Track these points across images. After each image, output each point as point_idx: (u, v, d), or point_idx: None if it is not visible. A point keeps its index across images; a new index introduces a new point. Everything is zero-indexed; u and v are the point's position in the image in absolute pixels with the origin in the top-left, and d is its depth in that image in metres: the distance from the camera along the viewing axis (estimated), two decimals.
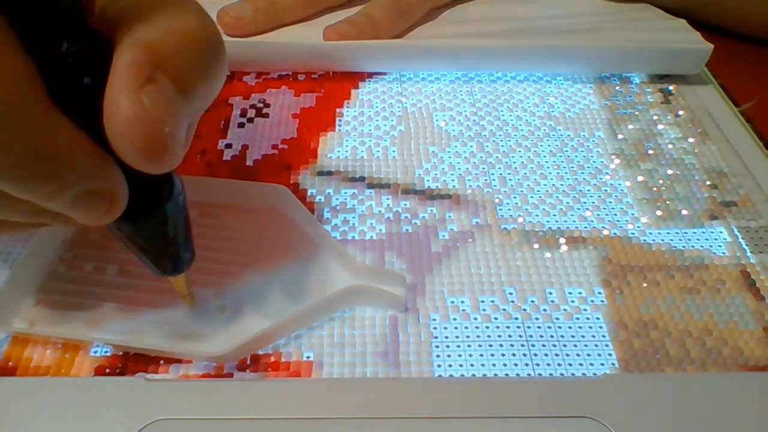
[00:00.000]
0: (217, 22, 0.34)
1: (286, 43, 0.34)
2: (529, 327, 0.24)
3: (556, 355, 0.23)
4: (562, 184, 0.30)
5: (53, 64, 0.14)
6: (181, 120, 0.16)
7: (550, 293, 0.25)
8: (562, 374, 0.22)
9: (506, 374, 0.22)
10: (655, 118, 0.34)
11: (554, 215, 0.28)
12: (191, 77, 0.16)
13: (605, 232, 0.27)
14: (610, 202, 0.29)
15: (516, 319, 0.24)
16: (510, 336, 0.23)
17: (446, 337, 0.23)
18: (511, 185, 0.30)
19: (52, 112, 0.14)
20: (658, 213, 0.28)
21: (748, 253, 0.26)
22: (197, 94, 0.16)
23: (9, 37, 0.14)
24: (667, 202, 0.29)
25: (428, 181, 0.30)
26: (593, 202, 0.29)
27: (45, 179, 0.15)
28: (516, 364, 0.22)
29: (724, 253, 0.27)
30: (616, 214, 0.28)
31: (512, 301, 0.24)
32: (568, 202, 0.29)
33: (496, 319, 0.24)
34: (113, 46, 0.15)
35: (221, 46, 0.17)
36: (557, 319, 0.24)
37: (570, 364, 0.22)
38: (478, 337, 0.23)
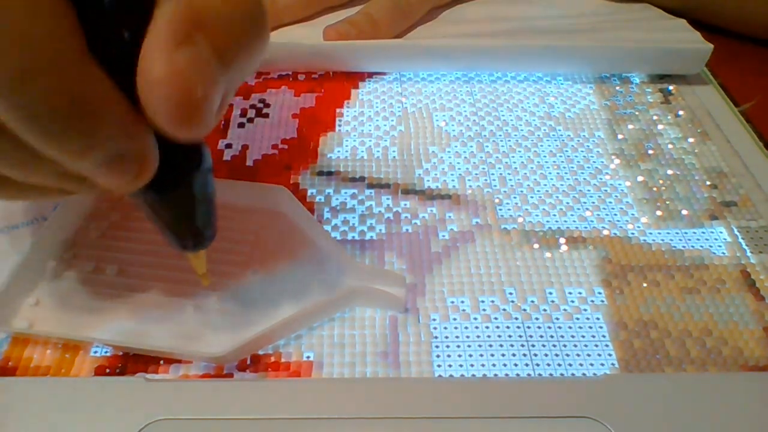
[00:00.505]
0: None
1: (286, 43, 0.34)
2: (529, 327, 0.24)
3: (556, 355, 0.23)
4: (562, 184, 0.30)
5: (93, 14, 0.14)
6: (215, 86, 0.15)
7: (550, 293, 0.25)
8: (562, 374, 0.22)
9: (506, 374, 0.22)
10: (655, 118, 0.34)
11: (554, 215, 0.28)
12: (231, 44, 0.15)
13: (605, 232, 0.27)
14: (610, 202, 0.29)
15: (516, 319, 0.24)
16: (510, 336, 0.23)
17: (446, 337, 0.23)
18: (511, 185, 0.30)
19: (91, 64, 0.14)
20: (658, 213, 0.28)
21: (748, 253, 0.26)
22: (236, 63, 0.16)
23: None
24: (667, 202, 0.29)
25: (428, 181, 0.30)
26: (593, 202, 0.29)
27: (78, 133, 0.14)
28: (516, 364, 0.22)
29: (724, 253, 0.27)
30: (616, 214, 0.28)
31: (512, 301, 0.24)
32: (568, 202, 0.29)
33: (496, 319, 0.24)
34: (154, 2, 0.14)
35: (265, 18, 0.16)
36: (557, 319, 0.24)
37: (570, 364, 0.22)
38: (478, 337, 0.23)
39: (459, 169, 0.30)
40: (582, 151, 0.32)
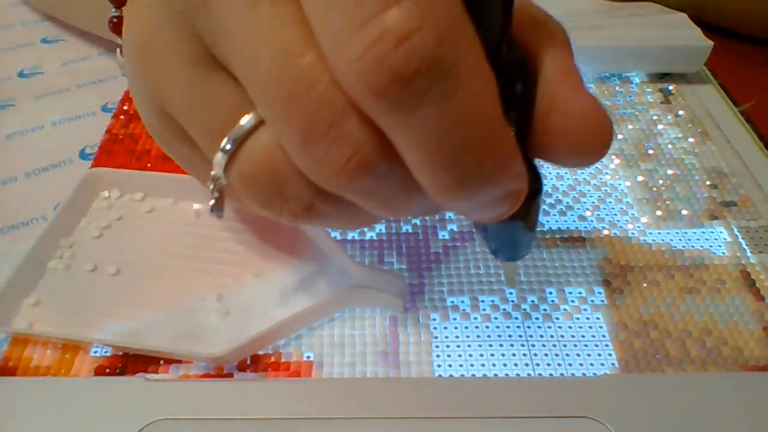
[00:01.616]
0: None
1: None
2: (529, 327, 0.24)
3: (556, 355, 0.23)
4: (561, 184, 0.30)
5: (496, 67, 0.14)
6: None
7: (550, 293, 0.25)
8: (562, 374, 0.22)
9: (506, 374, 0.22)
10: (655, 118, 0.34)
11: (554, 215, 0.28)
12: None
13: (605, 232, 0.27)
14: (610, 202, 0.29)
15: (516, 319, 0.24)
16: (510, 336, 0.23)
17: (446, 337, 0.23)
18: None
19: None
20: (658, 213, 0.28)
21: (748, 253, 0.26)
22: None
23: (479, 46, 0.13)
24: (667, 202, 0.29)
25: None
26: (593, 202, 0.29)
27: (489, 175, 0.13)
28: (516, 364, 0.22)
29: (724, 253, 0.27)
30: (616, 214, 0.28)
31: (512, 301, 0.24)
32: (567, 202, 0.29)
33: (495, 319, 0.24)
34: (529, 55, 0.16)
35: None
36: (557, 319, 0.24)
37: (570, 364, 0.22)
38: (478, 337, 0.23)
39: None
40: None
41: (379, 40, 0.11)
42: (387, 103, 0.12)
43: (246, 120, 0.15)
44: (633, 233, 0.27)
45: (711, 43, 0.34)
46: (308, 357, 0.23)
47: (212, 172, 0.16)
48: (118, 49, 0.36)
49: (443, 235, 0.27)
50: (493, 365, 0.22)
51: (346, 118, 0.13)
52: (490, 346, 0.23)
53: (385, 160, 0.13)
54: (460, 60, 0.12)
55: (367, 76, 0.11)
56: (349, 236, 0.27)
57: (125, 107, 0.35)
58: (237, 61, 0.14)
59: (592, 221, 0.28)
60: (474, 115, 0.12)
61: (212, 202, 0.17)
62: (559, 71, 0.15)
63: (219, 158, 0.15)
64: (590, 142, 0.15)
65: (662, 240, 0.27)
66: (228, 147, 0.15)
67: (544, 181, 0.18)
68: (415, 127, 0.12)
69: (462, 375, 0.22)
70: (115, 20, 0.30)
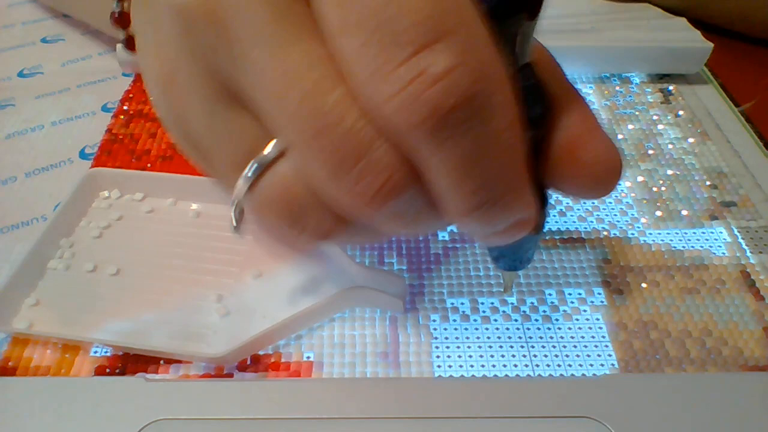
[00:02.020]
0: None
1: None
2: (528, 328, 0.24)
3: (556, 356, 0.23)
4: None
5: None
6: None
7: (550, 294, 0.25)
8: (562, 375, 0.22)
9: (506, 374, 0.22)
10: (655, 118, 0.34)
11: (554, 215, 0.28)
12: None
13: (605, 233, 0.27)
14: (610, 203, 0.29)
15: (516, 320, 0.24)
16: (510, 337, 0.23)
17: (446, 338, 0.23)
18: None
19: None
20: (658, 213, 0.28)
21: (748, 253, 0.26)
22: None
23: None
24: (667, 203, 0.29)
25: None
26: (593, 203, 0.29)
27: (505, 204, 0.14)
28: (516, 365, 0.22)
29: (724, 253, 0.27)
30: (615, 215, 0.28)
31: (512, 303, 0.24)
32: (567, 202, 0.29)
33: (495, 320, 0.24)
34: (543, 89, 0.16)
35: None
36: (557, 320, 0.24)
37: (570, 365, 0.22)
38: (478, 338, 0.23)
39: None
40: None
41: (415, 79, 0.12)
42: (423, 135, 0.12)
43: (268, 150, 0.15)
44: (633, 234, 0.27)
45: (711, 45, 0.34)
46: (308, 357, 0.23)
47: (232, 197, 0.16)
48: (118, 45, 0.36)
49: (443, 236, 0.27)
50: (493, 366, 0.22)
51: (375, 149, 0.13)
52: (490, 347, 0.23)
53: (413, 184, 0.14)
54: (493, 93, 0.12)
55: (404, 112, 0.12)
56: None
57: (125, 107, 0.35)
58: (262, 99, 0.14)
59: (591, 222, 0.28)
60: (502, 144, 0.13)
61: (234, 224, 0.18)
62: (577, 111, 0.16)
63: (240, 185, 0.16)
64: (602, 183, 0.16)
65: (662, 240, 0.27)
66: (249, 175, 0.15)
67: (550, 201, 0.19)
68: (447, 156, 0.13)
69: (462, 375, 0.22)
70: (116, 14, 0.30)
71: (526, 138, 0.15)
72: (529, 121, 0.15)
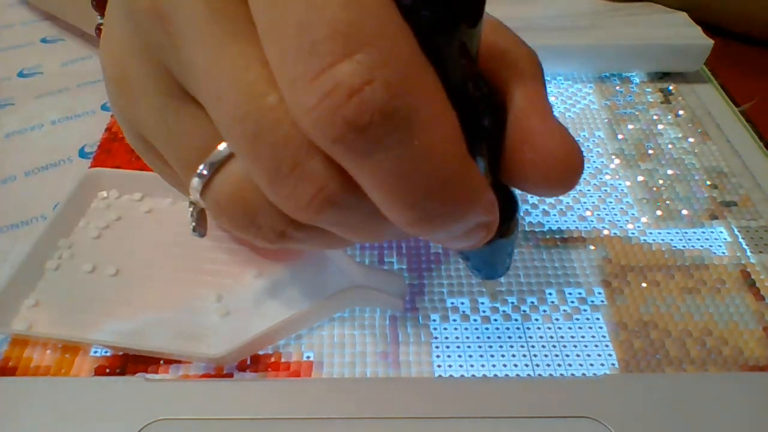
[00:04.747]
0: None
1: None
2: (528, 328, 0.24)
3: (556, 355, 0.23)
4: None
5: (463, 104, 0.14)
6: None
7: (550, 294, 0.25)
8: (562, 374, 0.22)
9: (506, 374, 0.22)
10: (655, 117, 0.34)
11: (554, 215, 0.28)
12: None
13: (605, 232, 0.27)
14: (610, 202, 0.29)
15: (516, 320, 0.24)
16: (510, 337, 0.23)
17: (446, 338, 0.23)
18: None
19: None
20: (658, 213, 0.28)
21: (748, 253, 0.26)
22: None
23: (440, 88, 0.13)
24: (667, 202, 0.29)
25: None
26: (593, 202, 0.29)
27: (454, 210, 0.14)
28: (516, 365, 0.22)
29: (724, 253, 0.27)
30: (616, 214, 0.28)
31: (512, 302, 0.24)
32: (568, 202, 0.29)
33: (495, 320, 0.24)
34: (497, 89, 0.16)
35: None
36: (557, 319, 0.24)
37: (570, 365, 0.22)
38: (478, 338, 0.23)
39: None
40: (582, 151, 0.32)
41: (331, 93, 0.11)
42: (343, 149, 0.12)
43: (221, 147, 0.15)
44: (633, 233, 0.27)
45: (711, 41, 0.34)
46: (308, 357, 0.23)
47: (189, 197, 0.16)
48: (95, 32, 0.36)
49: None
50: (493, 366, 0.22)
51: (310, 156, 0.13)
52: (490, 347, 0.23)
53: (350, 194, 0.13)
54: (416, 109, 0.12)
55: (322, 125, 0.12)
56: None
57: None
58: (204, 97, 0.14)
59: (592, 221, 0.28)
60: (433, 159, 0.12)
61: (192, 224, 0.18)
62: (527, 104, 0.15)
63: (195, 184, 0.16)
64: (560, 175, 0.15)
65: (662, 240, 0.27)
66: (204, 173, 0.15)
67: (522, 205, 0.18)
68: (372, 171, 0.12)
69: (462, 375, 0.22)
70: (102, 28, 0.30)
71: (481, 145, 0.15)
72: (483, 129, 0.15)
